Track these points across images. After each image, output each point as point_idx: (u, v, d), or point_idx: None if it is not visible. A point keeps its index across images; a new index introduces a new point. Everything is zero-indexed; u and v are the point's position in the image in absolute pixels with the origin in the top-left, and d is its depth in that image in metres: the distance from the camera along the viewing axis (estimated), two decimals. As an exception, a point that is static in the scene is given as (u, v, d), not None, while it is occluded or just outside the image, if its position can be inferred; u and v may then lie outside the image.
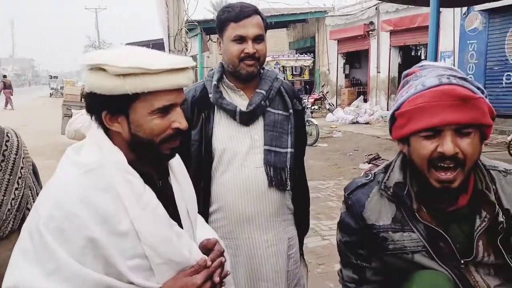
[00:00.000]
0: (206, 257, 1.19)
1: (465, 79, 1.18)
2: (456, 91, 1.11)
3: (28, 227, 1.04)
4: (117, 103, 1.07)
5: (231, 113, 1.77)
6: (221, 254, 1.25)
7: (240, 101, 1.81)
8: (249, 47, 1.72)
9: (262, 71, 1.86)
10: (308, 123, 9.94)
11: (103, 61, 1.03)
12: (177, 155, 1.28)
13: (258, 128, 1.81)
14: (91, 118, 1.14)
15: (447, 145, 1.13)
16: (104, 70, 1.03)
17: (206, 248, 1.26)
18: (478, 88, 1.18)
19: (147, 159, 1.16)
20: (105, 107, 1.09)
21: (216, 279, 1.17)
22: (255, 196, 1.78)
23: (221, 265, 1.21)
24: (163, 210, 1.14)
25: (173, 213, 1.20)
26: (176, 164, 1.28)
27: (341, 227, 1.42)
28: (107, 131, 1.13)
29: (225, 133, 1.79)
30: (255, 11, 1.75)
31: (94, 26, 52.22)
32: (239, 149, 1.78)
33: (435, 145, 1.15)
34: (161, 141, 1.12)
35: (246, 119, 1.79)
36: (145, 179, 1.13)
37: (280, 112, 1.84)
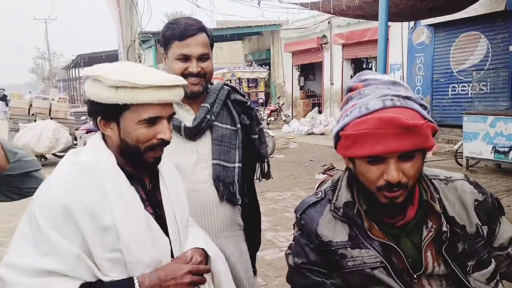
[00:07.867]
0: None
1: (409, 98, 1.15)
2: (400, 121, 1.08)
3: (28, 213, 1.17)
4: (110, 111, 1.21)
5: (176, 128, 1.72)
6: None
7: (187, 116, 1.78)
8: (193, 66, 1.69)
9: (210, 86, 1.84)
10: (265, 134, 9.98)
11: (100, 73, 1.18)
12: (171, 165, 1.45)
13: (205, 143, 1.78)
14: (92, 122, 1.31)
15: (392, 173, 1.12)
16: (100, 81, 1.18)
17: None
18: (421, 105, 1.16)
19: (133, 164, 1.28)
20: (100, 113, 1.24)
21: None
22: (204, 212, 1.74)
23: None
24: (144, 212, 1.24)
25: (161, 215, 1.32)
26: (166, 171, 1.41)
27: (296, 251, 1.34)
28: (103, 136, 1.29)
29: (170, 148, 1.75)
30: (200, 28, 1.71)
31: (44, 37, 50.51)
32: (185, 164, 1.73)
33: (380, 171, 1.14)
34: (145, 149, 1.25)
35: (191, 134, 1.75)
36: (136, 181, 1.28)
37: (228, 126, 1.81)
